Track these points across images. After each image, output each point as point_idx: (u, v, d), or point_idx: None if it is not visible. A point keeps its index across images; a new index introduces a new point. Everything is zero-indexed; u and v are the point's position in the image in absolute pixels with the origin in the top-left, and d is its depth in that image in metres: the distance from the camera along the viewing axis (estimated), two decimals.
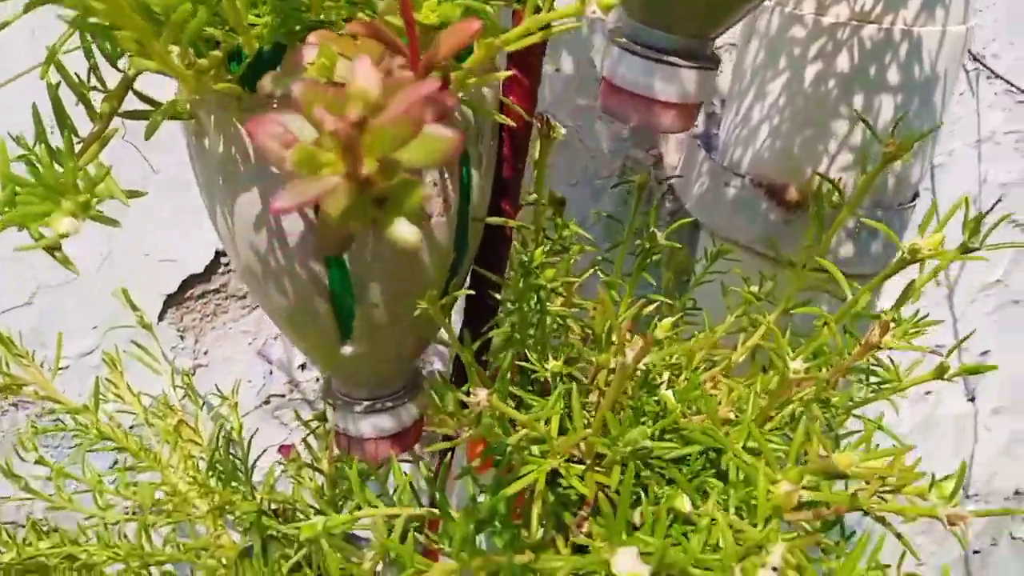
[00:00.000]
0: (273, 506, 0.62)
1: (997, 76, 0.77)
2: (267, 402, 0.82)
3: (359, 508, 0.36)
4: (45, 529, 0.57)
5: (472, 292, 0.39)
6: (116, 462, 0.80)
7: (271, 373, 0.81)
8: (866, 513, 0.36)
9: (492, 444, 0.40)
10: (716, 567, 0.30)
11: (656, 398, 0.39)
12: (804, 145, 0.65)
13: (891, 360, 0.43)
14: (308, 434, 0.69)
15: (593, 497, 0.36)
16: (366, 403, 0.47)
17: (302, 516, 0.63)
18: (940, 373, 0.42)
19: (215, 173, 0.38)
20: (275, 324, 0.44)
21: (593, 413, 0.36)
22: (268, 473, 0.64)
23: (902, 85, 0.63)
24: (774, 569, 0.27)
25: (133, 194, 0.34)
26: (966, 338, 0.43)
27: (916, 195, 0.71)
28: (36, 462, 0.57)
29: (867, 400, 0.45)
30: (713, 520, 0.34)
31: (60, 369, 0.66)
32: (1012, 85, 0.77)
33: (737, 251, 0.69)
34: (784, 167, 0.66)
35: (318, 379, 0.83)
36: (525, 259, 0.41)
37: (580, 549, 0.38)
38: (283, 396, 0.83)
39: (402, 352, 0.45)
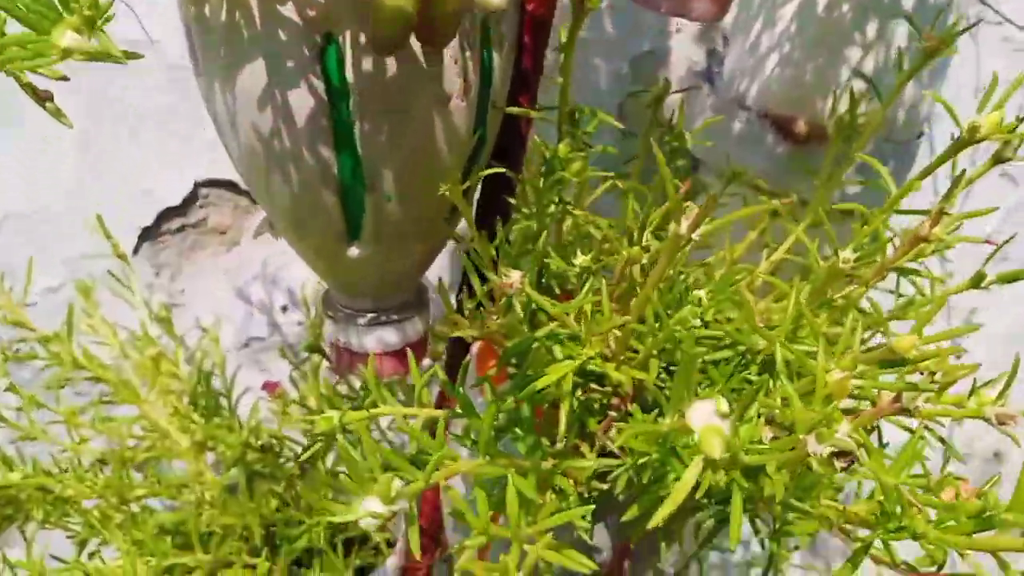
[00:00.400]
0: (259, 442, 0.59)
1: (1007, 20, 0.75)
2: (246, 345, 0.79)
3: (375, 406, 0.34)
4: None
5: (501, 169, 0.37)
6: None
7: (251, 315, 0.78)
8: (910, 414, 0.34)
9: (512, 347, 0.37)
10: (767, 452, 0.28)
11: (689, 299, 0.36)
12: (815, 74, 0.63)
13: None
14: (293, 369, 0.66)
15: (628, 395, 0.34)
16: (370, 315, 0.44)
17: (289, 452, 0.60)
18: (977, 281, 0.41)
19: (216, 44, 0.35)
20: (275, 223, 0.41)
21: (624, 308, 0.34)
22: (252, 409, 0.61)
23: (915, 11, 0.61)
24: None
25: (130, 55, 0.31)
26: (1003, 245, 0.41)
27: (921, 133, 0.70)
28: (6, 389, 0.53)
29: (897, 316, 0.43)
30: (759, 414, 0.32)
31: (27, 305, 0.62)
32: (1019, 27, 0.76)
33: (742, 188, 0.67)
34: (793, 98, 0.65)
35: (300, 323, 0.79)
36: (548, 154, 0.38)
37: (609, 457, 0.36)
38: (263, 339, 0.79)
39: (411, 258, 0.43)
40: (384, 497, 0.25)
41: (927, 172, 0.37)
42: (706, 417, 0.21)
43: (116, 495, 0.55)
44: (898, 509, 0.27)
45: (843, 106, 0.66)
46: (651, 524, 0.23)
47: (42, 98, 0.27)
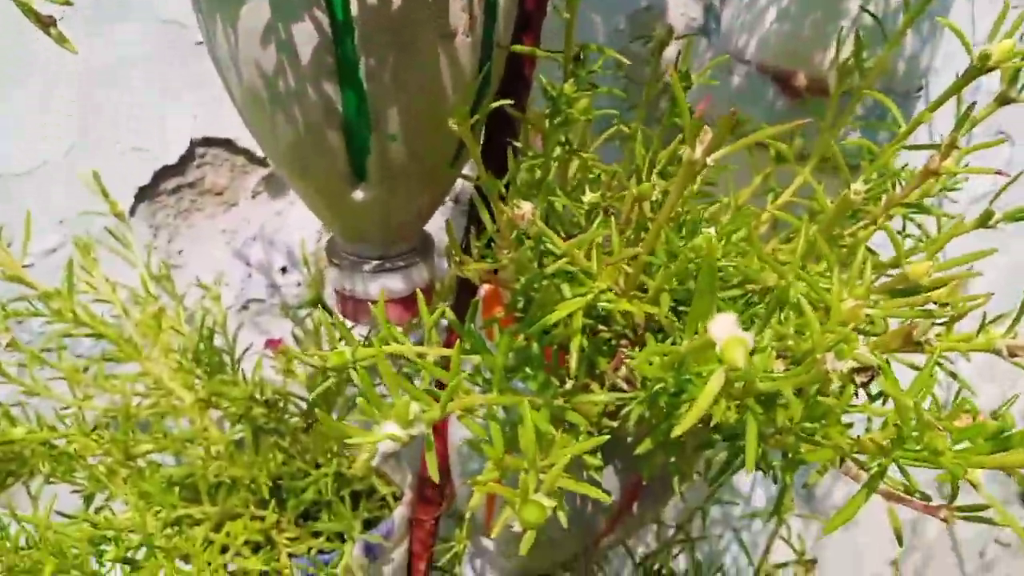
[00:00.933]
0: (263, 397, 0.59)
1: None
2: (245, 307, 0.79)
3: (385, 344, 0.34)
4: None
5: (509, 102, 0.36)
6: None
7: (250, 276, 0.77)
8: (920, 348, 0.34)
9: (522, 287, 0.37)
10: (780, 380, 0.28)
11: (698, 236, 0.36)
12: (814, 27, 0.63)
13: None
14: (295, 327, 0.66)
15: (639, 325, 0.34)
16: (375, 262, 0.44)
17: (294, 407, 0.60)
18: (986, 219, 0.41)
19: None
20: (279, 166, 0.40)
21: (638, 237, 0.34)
22: (256, 365, 0.61)
23: None
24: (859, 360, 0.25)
25: None
26: (1018, 176, 0.41)
27: (920, 87, 0.69)
28: (7, 345, 0.52)
29: (900, 260, 0.43)
30: (770, 347, 0.32)
31: (26, 267, 0.62)
32: None
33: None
34: (792, 51, 0.64)
35: (299, 283, 0.79)
36: (554, 93, 0.38)
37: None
38: (263, 301, 0.79)
39: (416, 202, 0.42)
40: (402, 420, 0.25)
41: (938, 104, 0.36)
42: (728, 328, 0.21)
43: (121, 450, 0.55)
44: (914, 434, 0.27)
45: (845, 53, 0.65)
46: (676, 432, 0.22)
47: (45, 23, 0.27)
